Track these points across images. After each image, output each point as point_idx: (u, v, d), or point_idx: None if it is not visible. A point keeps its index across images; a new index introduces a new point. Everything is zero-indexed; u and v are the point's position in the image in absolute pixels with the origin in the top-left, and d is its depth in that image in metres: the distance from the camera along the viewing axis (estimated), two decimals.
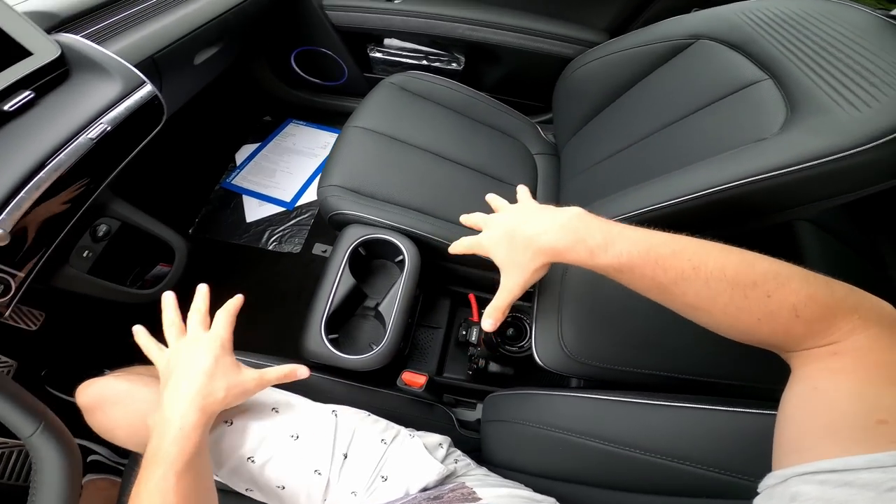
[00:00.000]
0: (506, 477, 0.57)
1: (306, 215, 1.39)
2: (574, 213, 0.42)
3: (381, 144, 0.92)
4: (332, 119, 1.57)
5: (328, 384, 0.68)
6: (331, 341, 0.70)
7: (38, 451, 0.44)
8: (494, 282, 0.86)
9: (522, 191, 0.55)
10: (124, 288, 0.88)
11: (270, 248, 1.33)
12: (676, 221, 0.58)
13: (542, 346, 0.56)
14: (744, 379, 0.52)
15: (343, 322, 0.79)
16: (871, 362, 0.29)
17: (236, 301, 0.54)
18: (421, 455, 0.55)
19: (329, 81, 1.46)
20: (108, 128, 0.66)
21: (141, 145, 0.74)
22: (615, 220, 0.64)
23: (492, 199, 0.56)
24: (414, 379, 0.70)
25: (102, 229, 0.84)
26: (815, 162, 0.47)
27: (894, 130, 0.44)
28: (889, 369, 0.28)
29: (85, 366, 0.89)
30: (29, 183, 0.54)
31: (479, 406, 0.83)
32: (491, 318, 0.47)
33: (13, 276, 0.56)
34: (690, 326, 0.52)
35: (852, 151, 0.45)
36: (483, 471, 0.59)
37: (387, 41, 1.28)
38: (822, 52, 0.59)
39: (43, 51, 0.64)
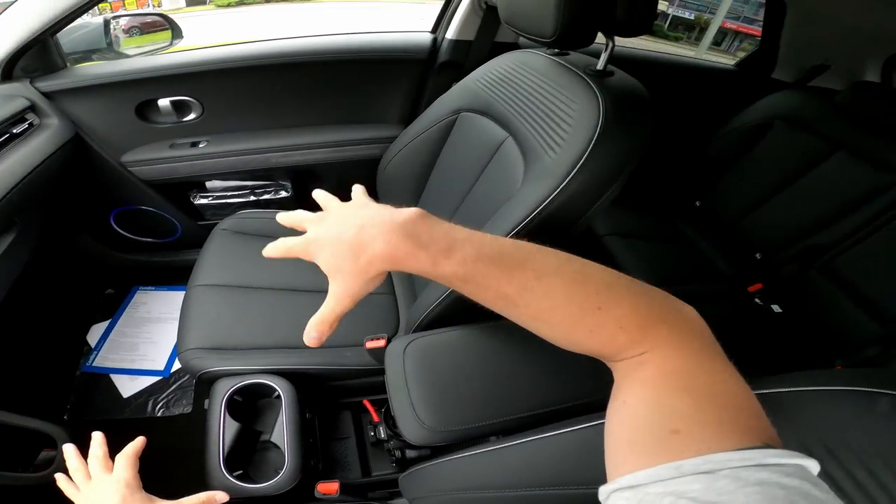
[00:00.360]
0: None
1: (185, 377, 1.33)
2: (414, 213, 0.36)
3: (228, 297, 0.95)
4: (180, 276, 1.51)
5: None
6: (236, 477, 0.74)
7: None
8: (382, 384, 0.92)
9: (357, 189, 0.46)
10: (17, 474, 0.86)
11: (159, 414, 1.26)
12: None
13: (404, 425, 0.61)
14: (586, 396, 0.61)
15: (248, 459, 0.82)
16: (669, 370, 0.30)
17: (136, 443, 0.61)
18: None
19: (163, 238, 1.44)
20: None
21: None
22: None
23: (318, 195, 0.47)
24: (328, 487, 0.76)
25: None
26: (543, 205, 0.61)
27: (575, 164, 0.60)
28: (684, 377, 0.29)
29: None
30: None
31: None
32: (315, 332, 0.40)
33: None
34: (522, 369, 0.62)
35: (560, 188, 0.61)
36: None
37: (209, 184, 1.32)
38: (527, 102, 0.74)
39: None
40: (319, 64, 1.16)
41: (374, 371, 0.90)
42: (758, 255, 1.27)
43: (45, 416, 0.90)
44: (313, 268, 1.06)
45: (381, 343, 0.78)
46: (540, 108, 0.72)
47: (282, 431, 0.79)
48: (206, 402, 1.24)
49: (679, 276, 1.27)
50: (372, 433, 0.95)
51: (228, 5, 13.70)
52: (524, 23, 0.70)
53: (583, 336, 0.33)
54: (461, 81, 0.97)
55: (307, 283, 1.01)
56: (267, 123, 1.26)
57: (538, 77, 0.76)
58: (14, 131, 0.98)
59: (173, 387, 1.31)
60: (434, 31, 1.32)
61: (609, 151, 0.62)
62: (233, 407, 0.81)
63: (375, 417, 0.98)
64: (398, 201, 1.07)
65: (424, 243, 0.35)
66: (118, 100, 1.12)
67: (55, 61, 1.10)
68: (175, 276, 1.53)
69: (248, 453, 0.82)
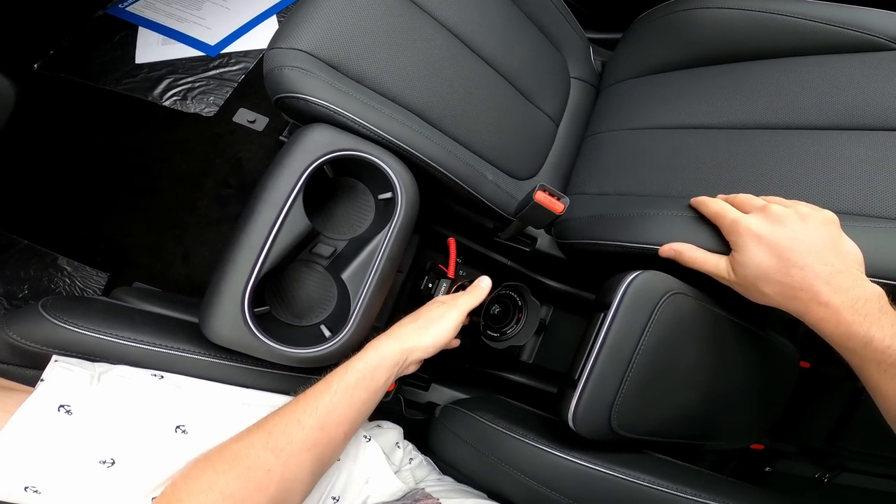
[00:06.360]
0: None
1: (235, 68, 1.07)
2: (878, 291, 0.38)
3: (388, 6, 0.62)
4: None
5: (243, 375, 0.49)
6: (258, 319, 0.48)
7: None
8: (487, 229, 0.76)
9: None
10: None
11: (166, 103, 1.02)
12: None
13: (584, 411, 0.49)
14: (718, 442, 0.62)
15: (276, 273, 0.53)
16: None
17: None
18: (381, 468, 0.50)
19: None
20: None
21: None
22: None
23: (744, 198, 0.47)
24: None
25: None
26: None
27: None
28: None
29: None
30: None
31: (433, 387, 0.74)
32: (672, 251, 0.50)
33: None
34: (726, 404, 0.59)
35: None
36: (438, 474, 0.57)
37: None
38: None
39: None
40: None
41: (502, 217, 0.68)
42: None
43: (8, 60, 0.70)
44: (506, 38, 0.76)
45: (558, 208, 0.56)
46: None
47: (365, 269, 0.52)
48: (240, 113, 0.99)
49: None
50: (430, 284, 0.72)
51: None
52: None
53: None
54: None
55: (490, 50, 0.71)
56: None
57: None
58: None
59: (209, 73, 1.06)
60: None
61: None
62: (310, 184, 0.50)
63: (451, 270, 0.72)
64: (667, 51, 0.78)
65: (869, 311, 0.36)
66: None
67: None
68: None
69: (285, 264, 0.53)
